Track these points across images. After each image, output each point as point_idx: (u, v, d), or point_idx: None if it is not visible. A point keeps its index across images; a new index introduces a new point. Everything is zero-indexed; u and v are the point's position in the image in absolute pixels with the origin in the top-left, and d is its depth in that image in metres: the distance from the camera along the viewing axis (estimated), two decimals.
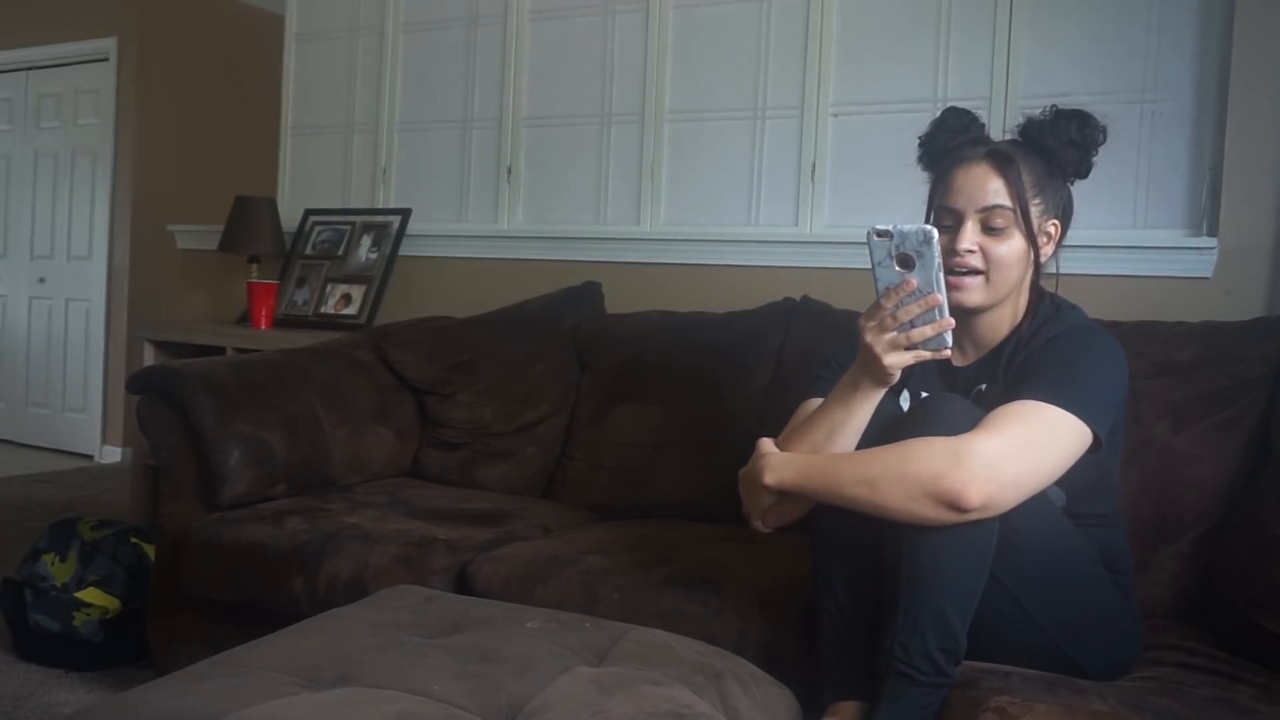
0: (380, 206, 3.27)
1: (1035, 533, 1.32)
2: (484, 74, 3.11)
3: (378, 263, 3.15)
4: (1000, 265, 1.42)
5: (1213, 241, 2.18)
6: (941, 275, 1.27)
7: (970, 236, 1.41)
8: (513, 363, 2.51)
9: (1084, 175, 1.49)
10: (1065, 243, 1.52)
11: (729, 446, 2.20)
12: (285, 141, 3.50)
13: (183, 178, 5.06)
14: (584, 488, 2.35)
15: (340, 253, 3.24)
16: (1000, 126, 2.22)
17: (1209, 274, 2.20)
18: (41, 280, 5.40)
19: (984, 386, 1.47)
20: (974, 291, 1.43)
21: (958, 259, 1.41)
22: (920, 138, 1.53)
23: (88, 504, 3.96)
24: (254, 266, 3.31)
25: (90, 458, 5.13)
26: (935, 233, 1.26)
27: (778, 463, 1.38)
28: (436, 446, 2.48)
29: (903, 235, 1.27)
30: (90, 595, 2.24)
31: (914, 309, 1.27)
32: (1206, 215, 2.24)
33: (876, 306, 1.30)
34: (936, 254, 1.26)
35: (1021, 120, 1.50)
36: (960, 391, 1.49)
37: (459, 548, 1.86)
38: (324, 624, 1.39)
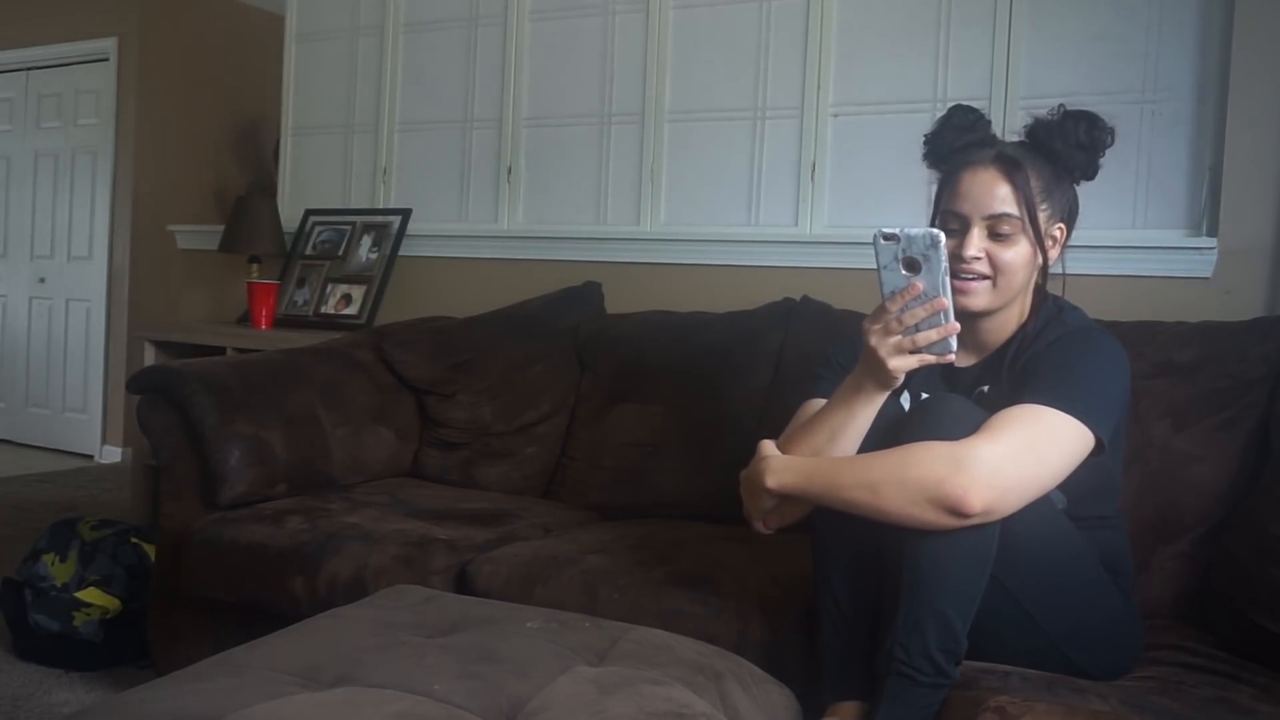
0: (380, 206, 3.27)
1: (1036, 536, 1.32)
2: (484, 74, 3.11)
3: (378, 263, 3.16)
4: (1007, 270, 1.41)
5: (1213, 241, 2.18)
6: (948, 279, 1.27)
7: (977, 243, 1.41)
8: (513, 363, 2.51)
9: (1091, 177, 1.48)
10: (1067, 243, 1.52)
11: (729, 446, 2.20)
12: (285, 141, 3.51)
13: (183, 178, 5.05)
14: (584, 488, 2.35)
15: (340, 253, 3.24)
16: (1001, 126, 2.22)
17: (1209, 274, 2.20)
18: (41, 280, 5.40)
19: (986, 388, 1.47)
20: (980, 295, 1.43)
21: (964, 265, 1.41)
22: (926, 135, 1.53)
23: (88, 504, 3.96)
24: (254, 266, 3.32)
25: (90, 458, 5.13)
26: (943, 236, 1.26)
27: (779, 466, 1.38)
28: (436, 446, 2.48)
29: (909, 238, 1.26)
30: (90, 595, 2.24)
31: (920, 313, 1.27)
32: (1206, 215, 2.24)
33: (881, 310, 1.29)
34: (943, 258, 1.26)
35: (1029, 121, 1.49)
36: (962, 392, 1.48)
37: (459, 548, 1.86)
38: (324, 624, 1.39)
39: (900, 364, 1.29)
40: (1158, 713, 1.23)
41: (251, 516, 2.01)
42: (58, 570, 2.27)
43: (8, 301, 5.54)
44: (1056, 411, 1.29)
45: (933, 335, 1.27)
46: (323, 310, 3.19)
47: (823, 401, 1.47)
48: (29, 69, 5.41)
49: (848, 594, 1.40)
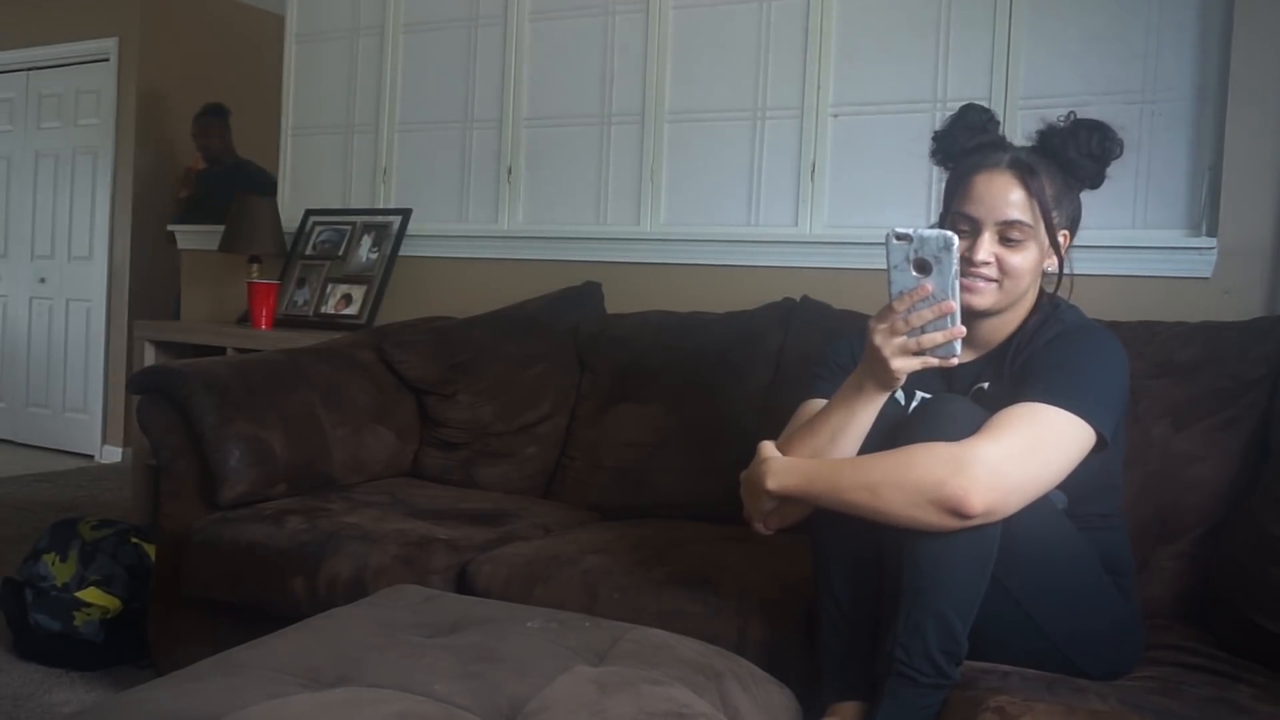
0: (380, 206, 3.27)
1: (1037, 537, 1.31)
2: (484, 74, 3.11)
3: (378, 263, 3.16)
4: (1014, 274, 1.42)
5: (1213, 241, 2.18)
6: (957, 283, 1.26)
7: (987, 247, 1.41)
8: (513, 363, 2.51)
9: (1097, 186, 1.49)
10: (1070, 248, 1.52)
11: (729, 446, 2.20)
12: (285, 141, 3.51)
13: (183, 177, 5.05)
14: (584, 488, 2.35)
15: (340, 253, 3.24)
16: (1001, 126, 2.22)
17: (1209, 274, 2.20)
18: (42, 280, 5.40)
19: (985, 385, 1.47)
20: (985, 296, 1.43)
21: (973, 268, 1.41)
22: (936, 133, 1.53)
23: (88, 504, 3.96)
24: (254, 266, 3.32)
25: (90, 458, 5.13)
26: (956, 239, 1.25)
27: (779, 468, 1.37)
28: (436, 446, 2.48)
29: (922, 240, 1.26)
30: (90, 595, 2.24)
31: (927, 314, 1.26)
32: (1206, 215, 2.24)
33: (888, 309, 1.29)
34: (955, 261, 1.25)
35: (1041, 126, 1.49)
36: (960, 388, 1.49)
37: (459, 548, 1.86)
38: (324, 624, 1.39)
39: (903, 365, 1.29)
40: (1158, 713, 1.23)
41: (251, 516, 2.01)
42: (58, 570, 2.27)
43: (8, 301, 5.55)
44: (1057, 409, 1.29)
45: (938, 338, 1.27)
46: (323, 310, 3.19)
47: (821, 402, 1.46)
48: (29, 69, 5.42)
49: (848, 594, 1.40)
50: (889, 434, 1.34)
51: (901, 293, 1.27)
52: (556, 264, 2.90)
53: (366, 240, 3.21)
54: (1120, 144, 1.46)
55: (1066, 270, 1.48)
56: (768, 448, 1.42)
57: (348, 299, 3.16)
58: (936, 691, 1.27)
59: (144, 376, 2.19)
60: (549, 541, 1.90)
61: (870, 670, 1.35)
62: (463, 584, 1.79)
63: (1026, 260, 1.42)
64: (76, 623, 2.23)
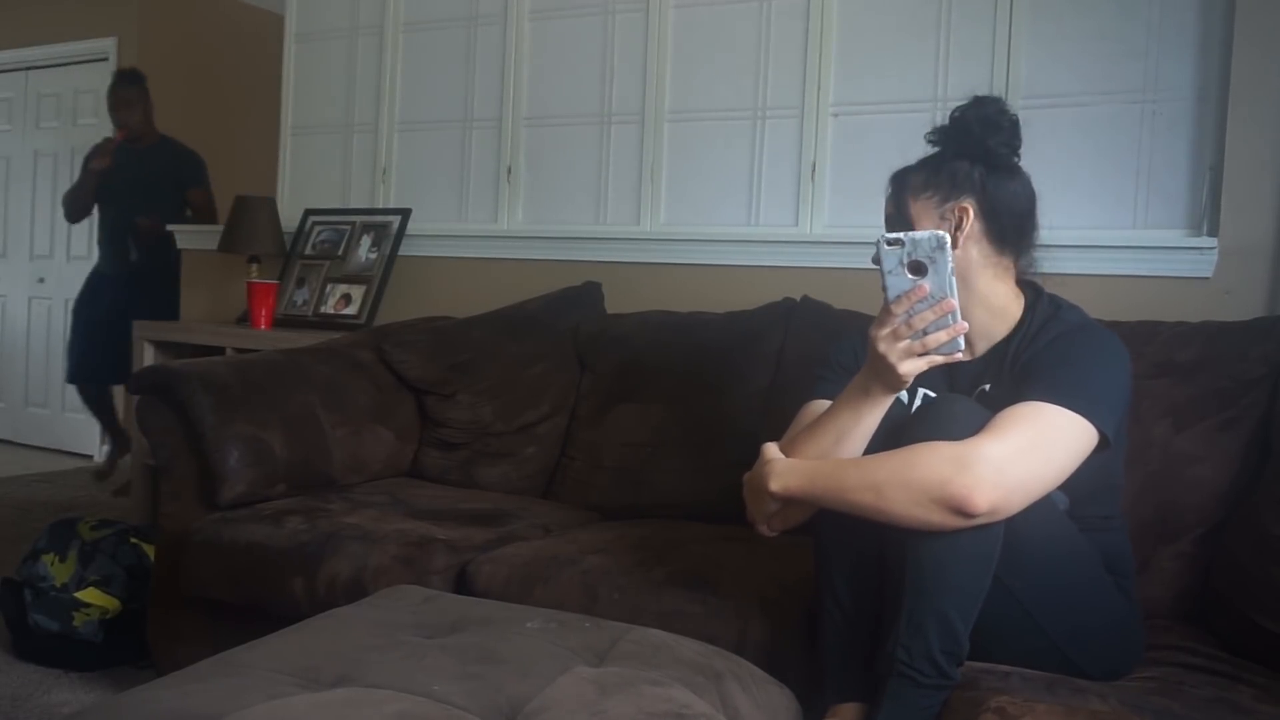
0: (380, 206, 3.27)
1: (1040, 537, 1.31)
2: (484, 74, 3.11)
3: (378, 263, 3.15)
4: None
5: (1213, 241, 2.18)
6: (954, 280, 1.27)
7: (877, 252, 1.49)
8: (513, 363, 2.51)
9: (977, 153, 1.47)
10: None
11: (729, 446, 2.20)
12: (285, 141, 3.50)
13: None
14: (584, 488, 2.35)
15: (340, 253, 3.24)
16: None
17: (1209, 274, 2.20)
18: (41, 280, 5.39)
19: (987, 386, 1.47)
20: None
21: None
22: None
23: (88, 504, 3.96)
24: (254, 266, 3.31)
25: (90, 458, 5.12)
26: (948, 238, 1.26)
27: (783, 469, 1.37)
28: (436, 446, 2.48)
29: (915, 242, 1.26)
30: (90, 595, 2.24)
31: (929, 315, 1.26)
32: (1206, 215, 2.24)
33: (887, 314, 1.29)
34: (950, 259, 1.25)
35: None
36: (963, 389, 1.48)
37: (459, 548, 1.86)
38: (324, 624, 1.39)
39: (911, 368, 1.29)
40: (1158, 713, 1.23)
41: (251, 517, 2.01)
42: (57, 570, 2.27)
43: (7, 301, 5.54)
44: (1059, 408, 1.29)
45: (942, 336, 1.27)
46: (322, 310, 3.19)
47: (824, 403, 1.46)
48: (28, 69, 5.41)
49: (850, 595, 1.40)
50: (892, 434, 1.34)
51: (899, 296, 1.27)
52: (556, 264, 2.90)
53: (366, 240, 3.21)
54: (979, 100, 1.49)
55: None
56: (771, 449, 1.42)
57: (347, 299, 3.16)
58: (938, 692, 1.27)
59: (144, 376, 2.19)
60: (549, 542, 1.90)
61: (871, 671, 1.35)
62: (462, 584, 1.79)
63: None
64: (76, 623, 2.23)
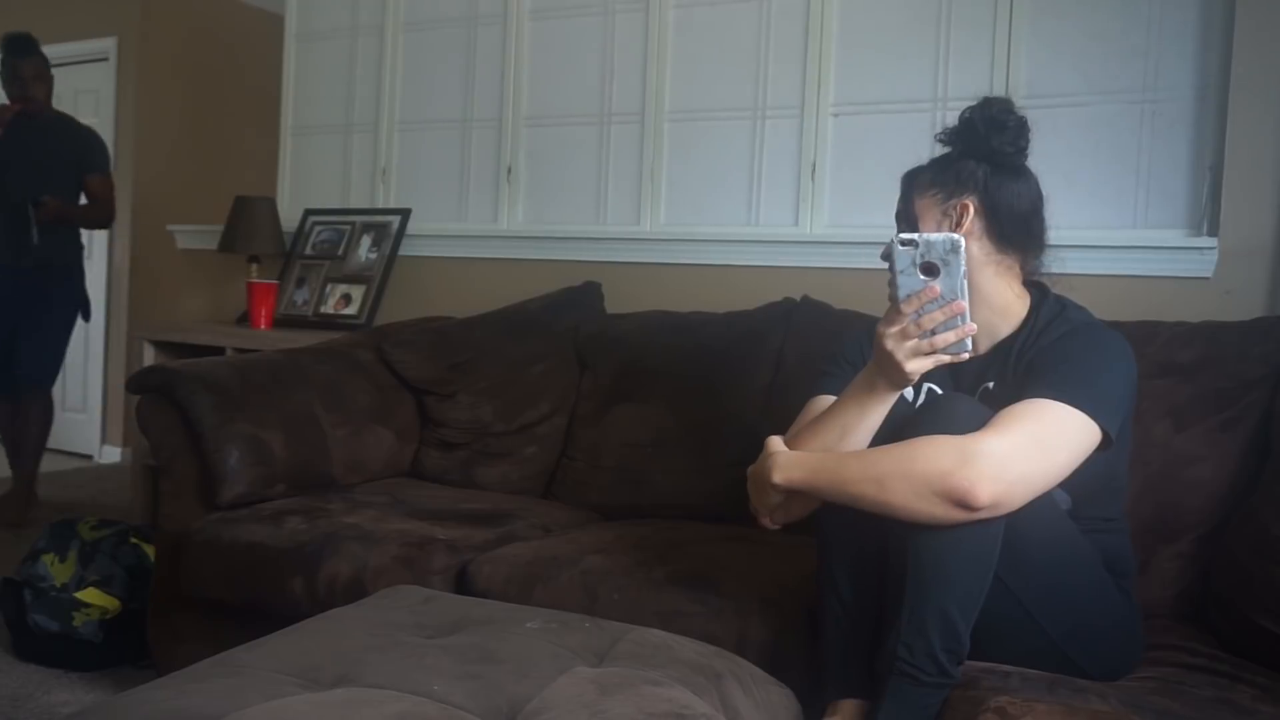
0: (380, 206, 3.27)
1: (1041, 537, 1.32)
2: (484, 74, 3.11)
3: (378, 263, 3.15)
4: None
5: (1213, 241, 2.18)
6: (966, 282, 1.27)
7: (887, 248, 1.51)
8: (513, 363, 2.51)
9: (982, 153, 1.48)
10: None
11: (729, 446, 2.20)
12: (285, 141, 3.50)
13: (183, 178, 5.05)
14: (584, 488, 2.35)
15: (340, 253, 3.24)
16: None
17: (1209, 274, 2.20)
18: None
19: (991, 385, 1.47)
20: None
21: None
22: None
23: (87, 504, 3.95)
24: (254, 266, 3.31)
25: (90, 458, 5.12)
26: (963, 241, 1.26)
27: (786, 461, 1.38)
28: (436, 446, 2.48)
29: (929, 244, 1.27)
30: (90, 595, 2.24)
31: (938, 316, 1.27)
32: (1206, 215, 2.24)
33: (897, 314, 1.29)
34: (963, 262, 1.26)
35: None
36: (966, 386, 1.49)
37: (459, 548, 1.86)
38: (324, 624, 1.39)
39: (917, 366, 1.30)
40: (1158, 713, 1.23)
41: (251, 517, 2.01)
42: (57, 570, 2.27)
43: None
44: (1063, 405, 1.29)
45: (950, 337, 1.28)
46: (322, 310, 3.19)
47: (830, 398, 1.47)
48: None
49: (852, 593, 1.40)
50: (895, 430, 1.34)
51: (909, 295, 1.28)
52: (556, 264, 2.90)
53: (366, 240, 3.21)
54: (986, 102, 1.49)
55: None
56: (775, 442, 1.43)
57: (347, 299, 3.16)
58: (938, 690, 1.27)
59: (144, 376, 2.19)
60: (549, 542, 1.90)
61: (872, 669, 1.35)
62: (462, 584, 1.79)
63: None
64: (75, 623, 2.23)
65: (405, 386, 2.50)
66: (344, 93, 3.37)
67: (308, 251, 3.31)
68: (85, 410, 5.18)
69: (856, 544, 1.39)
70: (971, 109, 1.50)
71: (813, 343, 2.19)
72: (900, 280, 1.29)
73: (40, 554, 2.31)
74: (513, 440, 2.45)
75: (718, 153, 2.78)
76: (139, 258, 4.97)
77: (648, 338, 2.46)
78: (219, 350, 3.00)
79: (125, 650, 2.27)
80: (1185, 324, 1.91)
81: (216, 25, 5.18)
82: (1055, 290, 1.52)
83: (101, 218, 3.74)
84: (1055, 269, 1.53)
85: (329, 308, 3.18)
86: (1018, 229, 1.48)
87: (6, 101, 3.65)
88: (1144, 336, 1.86)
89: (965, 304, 1.27)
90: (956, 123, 1.51)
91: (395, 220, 3.19)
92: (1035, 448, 1.27)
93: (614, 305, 2.73)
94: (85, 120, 5.15)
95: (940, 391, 1.51)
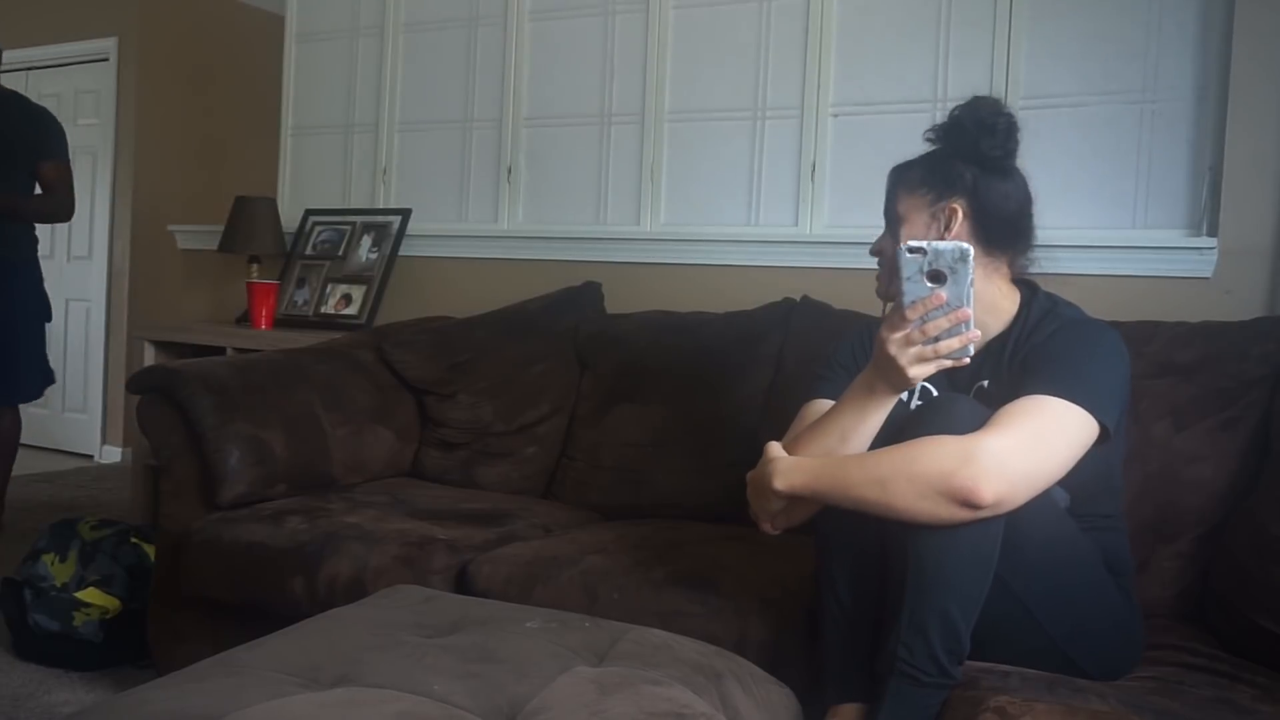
0: (380, 206, 3.27)
1: (1042, 537, 1.32)
2: (484, 74, 3.11)
3: (378, 263, 3.16)
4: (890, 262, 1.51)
5: (1213, 241, 2.18)
6: (972, 291, 1.27)
7: (878, 244, 1.57)
8: (513, 363, 2.51)
9: (971, 154, 1.48)
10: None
11: (729, 446, 2.20)
12: (285, 141, 3.51)
13: (183, 178, 5.06)
14: (584, 488, 2.35)
15: (340, 253, 3.24)
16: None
17: (1209, 274, 2.20)
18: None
19: (985, 383, 1.47)
20: (883, 285, 1.54)
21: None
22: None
23: (88, 504, 3.96)
24: (254, 266, 3.31)
25: (90, 458, 5.13)
26: (971, 250, 1.26)
27: (786, 467, 1.37)
28: (436, 446, 2.48)
29: (937, 252, 1.26)
30: (90, 595, 2.24)
31: (943, 323, 1.27)
32: (1206, 215, 2.24)
33: (900, 319, 1.28)
34: (971, 271, 1.26)
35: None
36: (961, 385, 1.49)
37: (459, 548, 1.86)
38: (324, 624, 1.39)
39: (920, 371, 1.29)
40: (1158, 713, 1.23)
41: (251, 516, 2.01)
42: (57, 570, 2.27)
43: None
44: (1060, 400, 1.30)
45: (954, 344, 1.27)
46: (322, 310, 3.19)
47: (825, 403, 1.47)
48: (29, 69, 5.41)
49: (851, 594, 1.40)
50: (895, 431, 1.34)
51: (914, 302, 1.27)
52: (556, 264, 2.90)
53: (366, 240, 3.21)
54: (979, 102, 1.50)
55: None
56: (775, 448, 1.42)
57: (347, 299, 3.16)
58: (939, 691, 1.27)
59: (144, 376, 2.19)
60: (549, 541, 1.90)
61: (872, 670, 1.35)
62: (463, 584, 1.79)
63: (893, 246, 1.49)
64: (76, 623, 2.23)
65: (405, 386, 2.50)
66: (344, 93, 3.37)
67: (308, 251, 3.31)
68: (85, 410, 5.19)
69: (855, 546, 1.39)
70: (960, 108, 1.50)
71: (813, 343, 2.19)
72: (906, 286, 1.28)
73: (41, 554, 2.31)
74: (513, 440, 2.45)
75: (718, 153, 2.78)
76: (139, 258, 4.98)
77: (648, 338, 2.46)
78: (219, 350, 3.00)
79: (125, 650, 2.27)
80: (1185, 324, 1.91)
81: (216, 25, 5.19)
82: (1049, 289, 1.53)
83: (57, 210, 3.32)
84: (1047, 266, 1.53)
85: (329, 308, 3.18)
86: (1005, 230, 1.49)
87: None
88: (1144, 336, 1.86)
89: (970, 312, 1.26)
90: (946, 120, 1.51)
91: (395, 220, 3.19)
92: (1036, 444, 1.27)
93: (614, 305, 2.73)
94: (86, 121, 5.19)
95: (935, 391, 1.51)
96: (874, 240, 1.58)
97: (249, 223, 3.28)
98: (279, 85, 3.52)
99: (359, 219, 3.27)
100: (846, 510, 1.33)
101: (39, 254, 3.40)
